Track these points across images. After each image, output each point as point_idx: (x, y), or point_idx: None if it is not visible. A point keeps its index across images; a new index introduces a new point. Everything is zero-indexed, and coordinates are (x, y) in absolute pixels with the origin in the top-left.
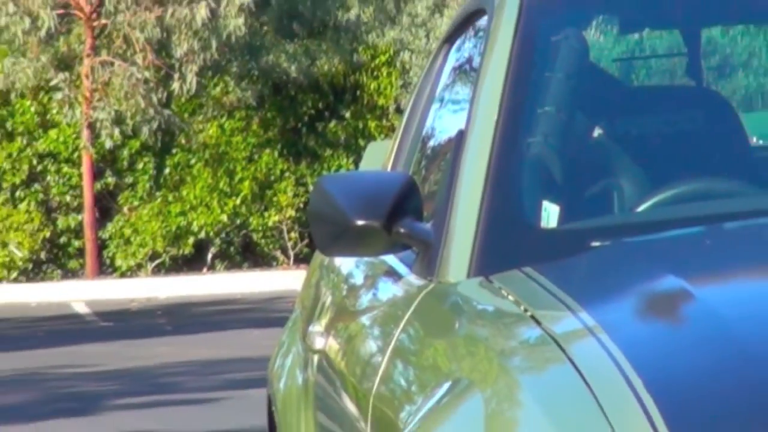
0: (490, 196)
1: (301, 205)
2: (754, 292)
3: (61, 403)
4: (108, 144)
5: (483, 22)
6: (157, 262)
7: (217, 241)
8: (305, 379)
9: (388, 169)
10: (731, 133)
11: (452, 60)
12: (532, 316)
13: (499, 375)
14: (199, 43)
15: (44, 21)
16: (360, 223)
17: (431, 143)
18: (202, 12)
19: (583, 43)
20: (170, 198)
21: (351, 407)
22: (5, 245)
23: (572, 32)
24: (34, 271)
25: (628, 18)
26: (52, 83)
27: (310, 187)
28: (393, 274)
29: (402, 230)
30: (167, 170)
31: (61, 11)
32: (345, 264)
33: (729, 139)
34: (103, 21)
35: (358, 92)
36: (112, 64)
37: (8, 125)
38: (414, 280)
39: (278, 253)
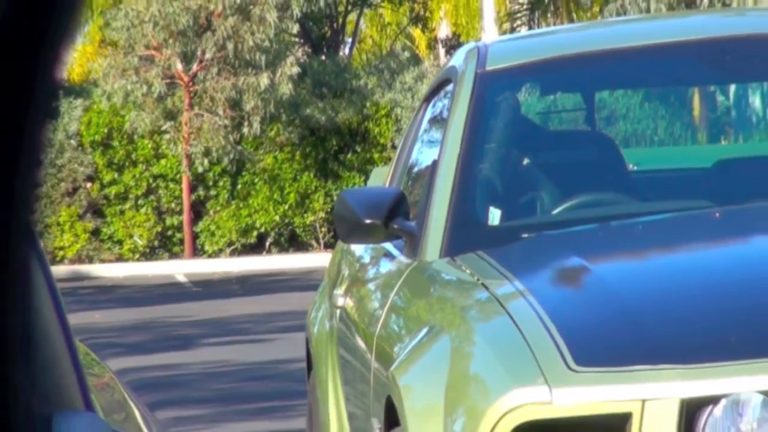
0: (454, 204)
1: (329, 210)
2: (629, 266)
3: (168, 341)
4: (199, 169)
5: (450, 88)
6: (232, 248)
7: (272, 233)
8: (331, 326)
9: (386, 185)
10: (614, 162)
11: (429, 113)
12: (482, 284)
13: (461, 323)
14: (261, 101)
15: (156, 87)
16: (367, 221)
17: (415, 169)
18: (263, 80)
19: (517, 102)
20: (241, 205)
21: (361, 344)
22: (131, 236)
23: (509, 95)
24: (150, 254)
25: (545, 86)
26: (163, 128)
27: (335, 198)
28: (389, 255)
29: (395, 226)
30: (239, 186)
31: (168, 80)
32: (357, 249)
33: (613, 166)
34: (196, 87)
35: (366, 134)
36: (202, 115)
37: (133, 156)
38: (403, 259)
39: (313, 242)
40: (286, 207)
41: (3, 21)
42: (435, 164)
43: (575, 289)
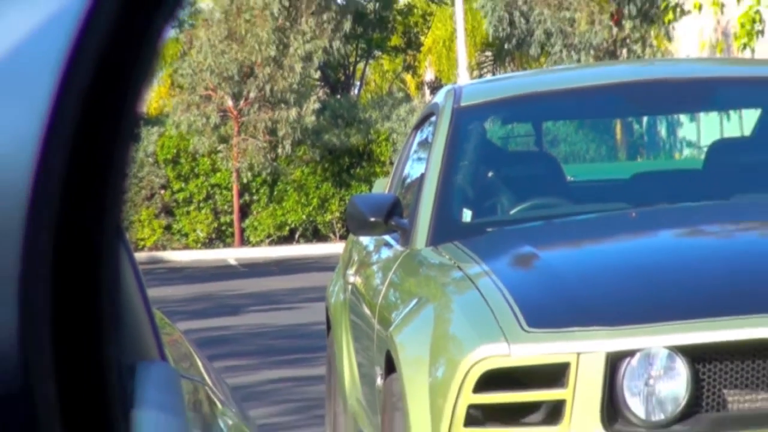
0: (436, 206)
1: (342, 211)
2: (568, 252)
3: (221, 309)
4: (245, 180)
5: (433, 119)
6: (270, 239)
7: (300, 228)
8: (344, 298)
9: (386, 192)
10: (556, 175)
11: (417, 138)
12: (458, 266)
13: (441, 295)
14: (291, 129)
15: (213, 119)
16: (372, 219)
17: (407, 180)
18: (293, 114)
19: (483, 129)
20: (276, 207)
21: (367, 311)
22: (194, 230)
23: (478, 124)
24: (208, 243)
25: (505, 117)
26: (217, 149)
27: (347, 202)
28: (388, 245)
29: (393, 223)
30: (275, 193)
31: (221, 114)
32: (364, 240)
33: (555, 178)
34: (243, 118)
35: (370, 154)
36: (247, 139)
37: (195, 170)
38: (399, 248)
39: (331, 235)
40: (311, 208)
41: (108, 68)
42: (422, 177)
43: (527, 270)
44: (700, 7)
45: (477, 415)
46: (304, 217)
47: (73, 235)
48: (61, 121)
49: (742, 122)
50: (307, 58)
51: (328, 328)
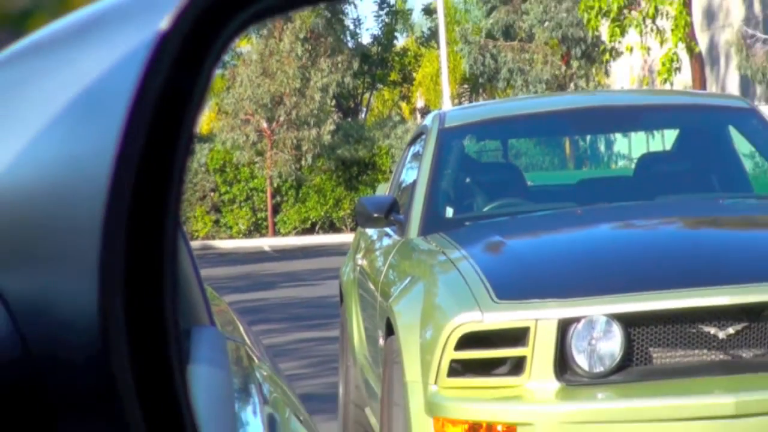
0: (425, 205)
1: (352, 208)
2: (528, 240)
3: (257, 284)
4: (276, 185)
5: (423, 137)
6: (296, 230)
7: (320, 222)
8: (354, 276)
9: (386, 194)
10: (519, 181)
11: (411, 152)
12: (442, 251)
13: (429, 274)
14: (312, 145)
15: (251, 137)
16: (375, 215)
17: (403, 185)
18: (313, 133)
19: (462, 145)
20: (301, 206)
21: (371, 287)
22: (236, 224)
23: (458, 141)
24: (248, 234)
25: (479, 136)
26: (255, 161)
27: (356, 202)
28: (388, 235)
29: (391, 218)
30: (300, 195)
31: (258, 133)
32: (369, 231)
33: (518, 183)
34: (275, 137)
35: (374, 164)
36: (278, 153)
37: (238, 177)
38: (396, 237)
39: (344, 227)
40: (327, 206)
41: (170, 97)
42: (414, 182)
43: (496, 255)
44: (631, 50)
45: (458, 367)
46: (322, 213)
47: (143, 228)
48: (132, 138)
49: (664, 139)
50: (324, 89)
51: (341, 300)
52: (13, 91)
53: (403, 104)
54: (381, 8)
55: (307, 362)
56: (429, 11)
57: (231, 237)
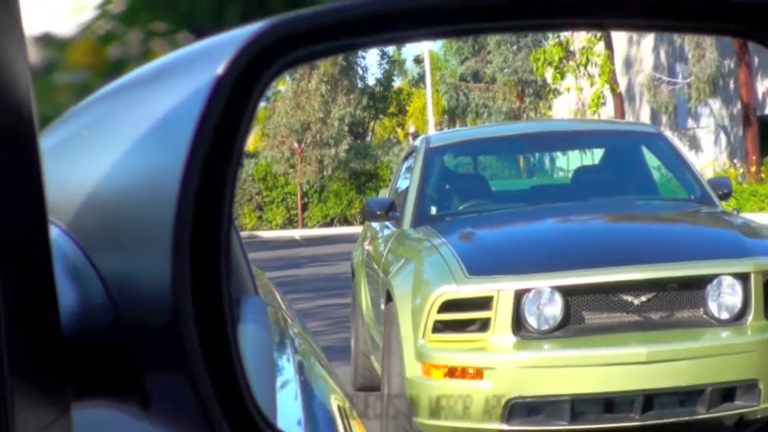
0: (416, 205)
1: (361, 207)
2: (493, 230)
3: (290, 264)
4: (304, 190)
5: (414, 154)
6: (319, 224)
7: (337, 217)
8: (362, 258)
9: (386, 197)
10: (485, 187)
11: (405, 165)
12: (428, 239)
13: (418, 257)
14: (332, 160)
15: (285, 154)
16: (378, 212)
17: (399, 190)
18: (333, 151)
19: (443, 160)
20: (323, 205)
21: (375, 266)
22: (275, 218)
23: (440, 157)
24: (283, 226)
25: (455, 153)
26: (289, 172)
27: (364, 203)
28: (388, 227)
29: (390, 214)
30: (322, 197)
31: (291, 152)
32: (374, 224)
33: (484, 189)
34: (303, 154)
35: (379, 175)
36: (306, 167)
37: (276, 184)
38: (394, 228)
39: (354, 221)
40: (343, 206)
41: (226, 123)
42: (407, 188)
43: (468, 242)
44: (568, 90)
45: (439, 326)
46: (339, 211)
47: (204, 222)
48: (196, 154)
49: (593, 156)
50: (341, 119)
51: (353, 276)
52: (111, 117)
53: (399, 130)
54: (382, 59)
55: (327, 322)
56: (418, 60)
57: (270, 229)
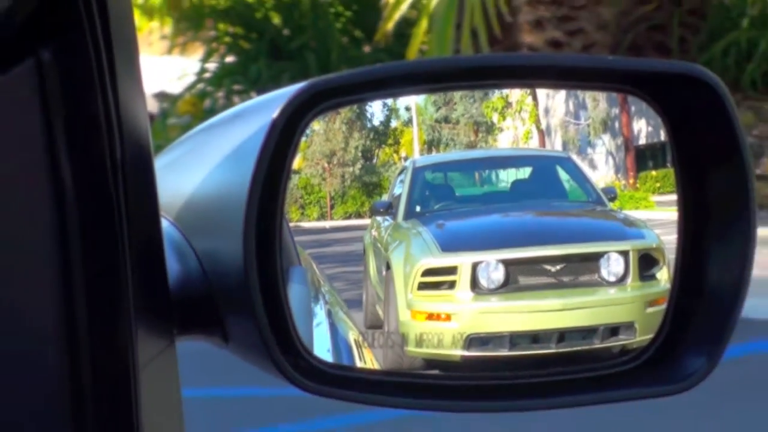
0: (405, 205)
1: (369, 206)
2: (457, 222)
3: (321, 244)
4: (331, 195)
5: (405, 171)
6: (342, 217)
7: (353, 213)
8: (371, 240)
9: (386, 199)
10: (453, 193)
11: (398, 179)
12: (414, 227)
13: (407, 239)
14: (350, 175)
15: (319, 171)
16: (381, 210)
17: (394, 195)
18: (350, 169)
19: (425, 175)
20: (344, 205)
21: (379, 245)
22: (312, 213)
23: (422, 173)
24: (318, 219)
25: (433, 170)
26: (320, 183)
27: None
28: (387, 220)
29: (389, 211)
30: (344, 199)
31: (322, 168)
32: (378, 218)
33: (452, 194)
34: (331, 171)
35: (382, 185)
36: (332, 179)
37: (313, 191)
38: (392, 221)
39: (364, 216)
40: (358, 205)
41: (279, 149)
42: (400, 194)
43: (441, 229)
44: (508, 128)
45: (422, 286)
46: (355, 209)
47: (265, 216)
48: (260, 170)
49: (525, 172)
50: (356, 147)
51: (364, 252)
52: (204, 146)
53: (395, 155)
54: (383, 107)
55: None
56: (407, 108)
57: (309, 221)
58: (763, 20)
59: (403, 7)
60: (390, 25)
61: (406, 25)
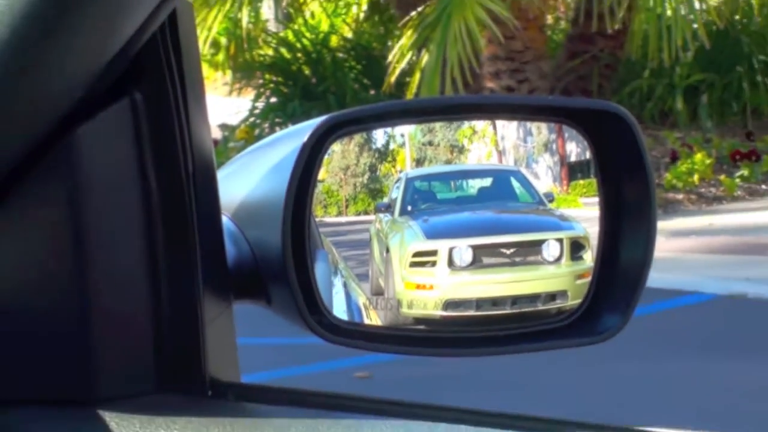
0: (400, 205)
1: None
2: (438, 218)
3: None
4: (346, 197)
5: (400, 180)
6: (354, 214)
7: (362, 210)
8: (375, 231)
9: (386, 201)
10: (435, 197)
11: (395, 186)
12: (406, 221)
13: (401, 230)
14: (360, 184)
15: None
16: (382, 209)
17: (392, 198)
18: (360, 180)
19: (415, 183)
20: (355, 205)
21: (381, 235)
22: (332, 211)
23: (413, 182)
24: (336, 215)
25: (421, 180)
26: (338, 189)
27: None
28: (387, 216)
29: (388, 210)
30: (355, 201)
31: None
32: (380, 215)
33: (435, 198)
34: (346, 180)
35: (383, 191)
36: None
37: (332, 194)
38: (390, 217)
39: (371, 213)
40: (366, 205)
41: (307, 167)
42: (396, 197)
43: (426, 223)
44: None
45: (412, 264)
46: (363, 208)
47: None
48: (294, 180)
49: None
50: (365, 164)
51: (370, 239)
52: (253, 161)
53: (393, 169)
54: (384, 133)
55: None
56: (402, 135)
57: (330, 217)
58: (660, 71)
59: (402, 64)
60: (393, 78)
61: (402, 75)
